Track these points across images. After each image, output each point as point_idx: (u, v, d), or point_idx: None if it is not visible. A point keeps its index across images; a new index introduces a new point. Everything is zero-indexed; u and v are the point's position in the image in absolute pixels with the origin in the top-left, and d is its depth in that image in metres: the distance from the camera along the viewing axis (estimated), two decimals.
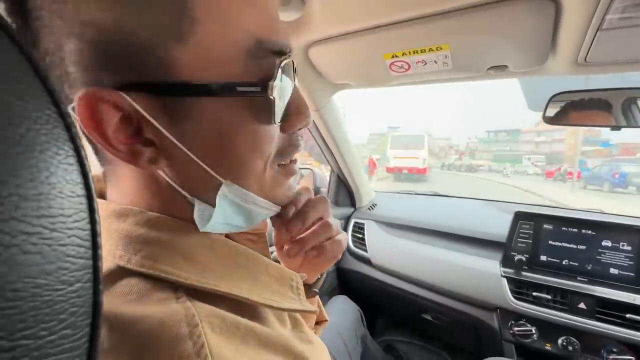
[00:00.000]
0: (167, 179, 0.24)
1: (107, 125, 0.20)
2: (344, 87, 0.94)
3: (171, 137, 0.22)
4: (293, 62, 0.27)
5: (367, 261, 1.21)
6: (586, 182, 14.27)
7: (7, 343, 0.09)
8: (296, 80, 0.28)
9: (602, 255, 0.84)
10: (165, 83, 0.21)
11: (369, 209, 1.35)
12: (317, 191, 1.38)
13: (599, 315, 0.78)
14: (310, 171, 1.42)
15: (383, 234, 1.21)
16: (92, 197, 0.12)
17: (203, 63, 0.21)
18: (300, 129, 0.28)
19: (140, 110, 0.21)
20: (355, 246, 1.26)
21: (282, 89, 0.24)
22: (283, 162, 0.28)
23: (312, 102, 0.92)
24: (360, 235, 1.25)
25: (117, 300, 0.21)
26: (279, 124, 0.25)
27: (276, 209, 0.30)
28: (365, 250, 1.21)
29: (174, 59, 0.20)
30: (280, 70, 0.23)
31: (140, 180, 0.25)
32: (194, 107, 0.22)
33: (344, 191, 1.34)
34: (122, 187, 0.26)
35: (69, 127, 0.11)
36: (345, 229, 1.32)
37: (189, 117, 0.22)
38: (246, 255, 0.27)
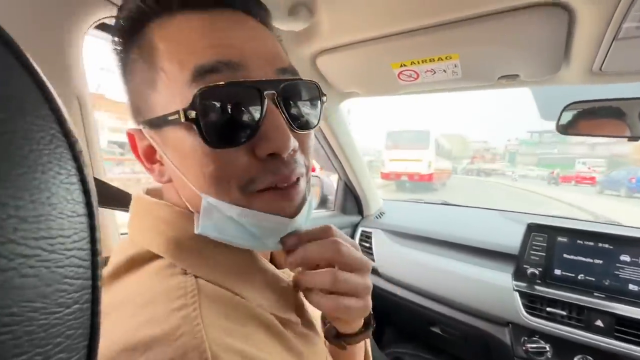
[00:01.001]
0: (174, 190, 0.31)
1: (140, 150, 0.31)
2: (352, 96, 0.94)
3: (166, 157, 0.29)
4: (292, 87, 0.29)
5: (374, 271, 1.19)
6: (603, 188, 14.25)
7: None
8: (280, 103, 0.27)
9: (621, 270, 0.80)
10: (147, 120, 0.28)
11: (377, 217, 1.33)
12: (324, 199, 1.38)
13: (617, 334, 0.74)
14: (318, 178, 1.42)
15: (391, 244, 1.19)
16: (93, 216, 0.12)
17: (169, 100, 0.27)
18: (271, 155, 0.27)
19: (149, 138, 0.29)
20: None
21: (221, 110, 0.25)
22: (261, 188, 0.28)
23: None
24: (368, 244, 1.24)
25: (143, 274, 0.28)
26: (218, 146, 0.26)
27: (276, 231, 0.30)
28: (373, 260, 1.19)
29: (152, 100, 0.28)
30: (204, 93, 0.25)
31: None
32: (167, 133, 0.28)
33: (352, 199, 1.33)
34: (170, 189, 0.32)
35: (72, 145, 0.11)
36: (352, 237, 1.30)
37: (169, 140, 0.28)
38: (254, 261, 0.32)
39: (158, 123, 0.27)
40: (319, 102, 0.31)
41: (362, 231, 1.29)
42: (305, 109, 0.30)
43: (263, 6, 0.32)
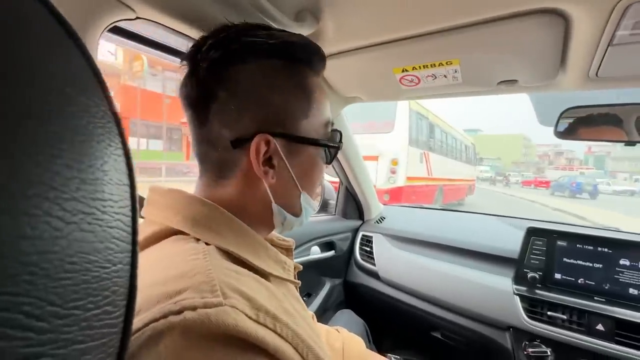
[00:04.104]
0: (268, 189, 0.38)
1: (260, 154, 0.36)
2: (355, 101, 0.96)
3: (288, 166, 0.38)
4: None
5: (374, 275, 1.19)
6: (553, 190, 18.98)
7: (62, 310, 0.10)
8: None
9: (620, 274, 0.81)
10: (294, 136, 0.38)
11: (378, 222, 1.34)
12: (325, 203, 1.39)
13: (618, 338, 0.75)
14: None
15: (391, 248, 1.20)
16: (134, 186, 0.13)
17: (312, 128, 0.39)
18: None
19: (279, 148, 0.37)
20: (362, 259, 1.25)
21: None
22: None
23: None
24: (368, 249, 1.24)
25: (165, 244, 0.34)
26: (328, 163, 0.43)
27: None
28: (373, 264, 1.20)
29: (301, 124, 0.38)
30: (336, 133, 0.43)
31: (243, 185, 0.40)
32: (302, 150, 0.39)
33: (352, 204, 1.34)
34: (227, 188, 0.39)
35: (118, 123, 0.12)
36: (353, 241, 1.31)
37: (299, 155, 0.39)
38: (257, 240, 0.38)
39: (303, 141, 0.38)
40: None
41: (363, 235, 1.29)
42: None
43: None
